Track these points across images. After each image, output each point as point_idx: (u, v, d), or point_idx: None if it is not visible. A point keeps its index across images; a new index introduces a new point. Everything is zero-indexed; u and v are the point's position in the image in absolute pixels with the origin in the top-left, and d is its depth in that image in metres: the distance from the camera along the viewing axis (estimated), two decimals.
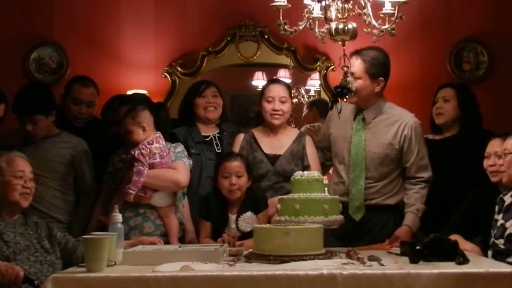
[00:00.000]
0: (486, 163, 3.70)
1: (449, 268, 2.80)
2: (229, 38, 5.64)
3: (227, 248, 3.35)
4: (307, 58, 5.64)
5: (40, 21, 5.58)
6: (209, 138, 4.28)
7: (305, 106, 5.77)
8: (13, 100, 4.05)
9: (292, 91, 5.65)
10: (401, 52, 5.45)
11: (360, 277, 2.70)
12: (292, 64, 5.62)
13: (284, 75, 5.69)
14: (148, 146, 3.70)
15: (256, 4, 5.39)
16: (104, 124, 4.42)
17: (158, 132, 3.79)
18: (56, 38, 5.58)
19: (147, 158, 3.68)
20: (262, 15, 5.44)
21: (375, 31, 3.22)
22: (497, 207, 3.54)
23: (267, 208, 3.78)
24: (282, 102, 4.06)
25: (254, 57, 5.68)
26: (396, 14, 3.17)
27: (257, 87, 5.99)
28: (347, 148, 3.95)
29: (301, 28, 3.35)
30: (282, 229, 3.06)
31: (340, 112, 3.83)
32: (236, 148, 4.09)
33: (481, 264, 2.89)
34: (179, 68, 5.61)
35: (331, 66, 5.59)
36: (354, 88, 3.69)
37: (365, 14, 3.22)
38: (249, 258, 3.06)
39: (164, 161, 3.73)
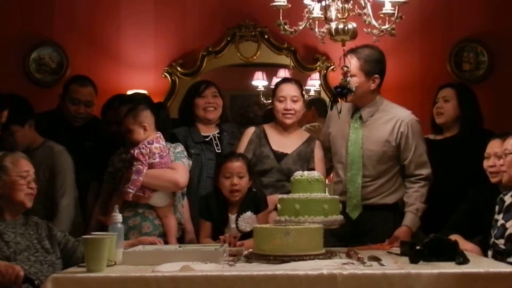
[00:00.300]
0: (486, 163, 3.70)
1: (449, 268, 2.80)
2: (229, 38, 5.65)
3: (227, 248, 3.35)
4: (307, 58, 5.65)
5: (40, 21, 5.58)
6: (209, 138, 4.28)
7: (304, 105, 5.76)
8: None
9: None
10: (401, 52, 5.46)
11: (360, 277, 2.70)
12: (292, 64, 5.63)
13: (284, 75, 5.69)
14: (148, 146, 3.70)
15: (256, 4, 5.39)
16: (104, 124, 4.42)
17: (159, 132, 3.79)
18: (56, 38, 5.59)
19: (147, 157, 3.69)
20: (262, 15, 5.44)
21: (375, 31, 3.22)
22: (497, 207, 3.54)
23: (267, 208, 3.79)
24: (294, 101, 4.06)
25: (254, 57, 5.68)
26: (396, 14, 3.16)
27: (257, 87, 6.00)
28: (345, 146, 3.95)
29: (301, 28, 3.35)
30: (282, 229, 3.06)
31: (340, 112, 3.83)
32: (246, 140, 4.09)
33: (481, 264, 2.89)
34: (179, 68, 5.61)
35: (331, 66, 5.60)
36: (354, 88, 3.69)
37: (365, 14, 3.22)
38: (249, 258, 3.06)
39: (164, 161, 3.73)
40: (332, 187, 4.04)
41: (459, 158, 4.17)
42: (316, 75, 5.73)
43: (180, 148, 3.89)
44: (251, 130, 4.13)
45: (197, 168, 4.10)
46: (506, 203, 3.49)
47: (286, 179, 3.95)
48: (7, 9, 5.55)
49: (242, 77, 6.03)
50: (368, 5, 3.22)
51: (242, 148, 4.06)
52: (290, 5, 3.34)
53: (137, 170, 3.65)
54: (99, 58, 5.60)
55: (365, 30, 3.26)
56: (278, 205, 3.45)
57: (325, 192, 3.47)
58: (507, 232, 3.41)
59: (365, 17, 3.22)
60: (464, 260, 2.88)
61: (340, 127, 4.01)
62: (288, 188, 3.79)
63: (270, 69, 5.86)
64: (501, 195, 3.55)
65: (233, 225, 3.71)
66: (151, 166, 3.69)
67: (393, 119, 3.93)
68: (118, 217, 3.24)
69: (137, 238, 3.55)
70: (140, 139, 3.71)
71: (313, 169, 3.96)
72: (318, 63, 5.62)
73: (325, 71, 5.63)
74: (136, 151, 3.68)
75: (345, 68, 3.50)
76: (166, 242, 3.62)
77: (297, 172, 3.53)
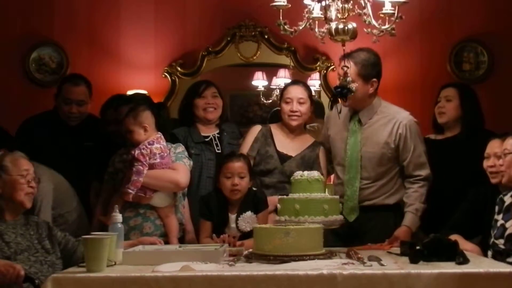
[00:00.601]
0: (486, 164, 3.70)
1: (449, 268, 2.80)
2: (229, 38, 5.65)
3: (227, 248, 3.35)
4: (307, 58, 5.65)
5: (40, 21, 5.58)
6: (209, 138, 4.28)
7: None
8: None
9: None
10: (401, 52, 5.46)
11: (360, 277, 2.70)
12: (292, 64, 5.63)
13: (284, 75, 5.70)
14: (149, 146, 3.70)
15: (256, 4, 5.39)
16: (103, 123, 4.41)
17: (159, 132, 3.79)
18: (56, 38, 5.59)
19: (147, 158, 3.68)
20: (262, 15, 5.45)
21: (375, 31, 3.22)
22: (497, 208, 3.54)
23: (267, 208, 3.79)
24: (300, 103, 4.07)
25: (254, 57, 5.69)
26: (396, 14, 3.16)
27: (257, 87, 6.00)
28: (344, 149, 3.95)
29: (301, 28, 3.35)
30: (282, 229, 3.05)
31: (340, 112, 3.83)
32: (251, 138, 4.10)
33: (481, 264, 2.89)
34: (179, 68, 5.61)
35: (331, 66, 5.60)
36: (354, 88, 3.69)
37: (365, 14, 3.22)
38: (249, 258, 3.06)
39: (165, 162, 3.73)
40: (333, 188, 4.04)
41: (460, 158, 4.17)
42: (316, 75, 5.73)
43: (180, 148, 3.89)
44: (257, 128, 4.14)
45: (197, 168, 4.10)
46: (506, 203, 3.49)
47: (287, 181, 3.94)
48: (7, 9, 5.55)
49: (242, 77, 6.02)
50: (368, 5, 3.21)
51: (247, 145, 4.07)
52: (290, 5, 3.33)
53: (138, 170, 3.65)
54: (99, 58, 5.60)
55: (365, 30, 3.25)
56: (278, 205, 3.45)
57: (325, 192, 3.47)
58: (507, 232, 3.41)
59: (365, 17, 3.22)
60: (464, 260, 2.88)
61: (339, 130, 4.01)
62: (289, 190, 3.79)
63: (270, 69, 5.86)
64: (501, 195, 3.55)
65: (233, 225, 3.71)
66: (151, 166, 3.69)
67: (391, 121, 3.92)
68: (118, 217, 3.24)
69: (138, 238, 3.56)
70: (140, 140, 3.71)
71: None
72: (318, 63, 5.62)
73: (325, 71, 5.63)
74: (137, 151, 3.68)
75: (345, 68, 3.50)
76: (167, 243, 3.62)
77: (297, 172, 3.54)
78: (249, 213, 3.72)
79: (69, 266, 3.09)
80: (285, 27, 3.34)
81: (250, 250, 3.17)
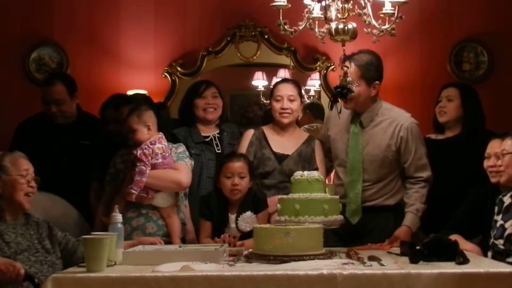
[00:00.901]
0: (486, 163, 3.70)
1: (449, 268, 2.80)
2: (229, 38, 5.65)
3: (227, 248, 3.35)
4: (307, 58, 5.65)
5: (40, 21, 5.58)
6: (209, 138, 4.28)
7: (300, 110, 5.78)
8: None
9: None
10: (401, 52, 5.46)
11: (360, 277, 2.70)
12: (292, 64, 5.63)
13: (284, 75, 5.69)
14: (151, 146, 3.70)
15: (256, 4, 5.39)
16: (102, 123, 4.41)
17: (161, 132, 3.79)
18: (56, 38, 5.59)
19: (150, 158, 3.68)
20: (262, 15, 5.44)
21: (375, 31, 3.22)
22: (496, 208, 3.54)
23: (267, 208, 3.78)
24: (291, 101, 4.07)
25: (254, 57, 5.68)
26: (396, 14, 3.16)
27: (257, 87, 6.00)
28: (346, 151, 3.95)
29: (301, 28, 3.35)
30: (282, 229, 3.05)
31: (340, 112, 3.82)
32: (245, 143, 4.09)
33: (481, 264, 2.89)
34: (179, 68, 5.61)
35: (331, 66, 5.60)
36: (354, 88, 3.69)
37: (365, 14, 3.22)
38: (249, 258, 3.06)
39: (166, 162, 3.73)
40: (333, 189, 4.04)
41: (460, 158, 4.17)
42: (316, 75, 5.73)
43: (182, 148, 3.89)
44: (250, 133, 4.14)
45: (197, 168, 4.09)
46: (505, 204, 3.49)
47: (288, 180, 3.94)
48: (7, 9, 5.54)
49: (242, 77, 6.02)
50: (368, 5, 3.21)
51: (242, 151, 4.06)
52: (290, 5, 3.34)
53: (140, 170, 3.65)
54: (99, 58, 5.60)
55: (365, 30, 3.25)
56: (278, 205, 3.45)
57: (325, 192, 3.47)
58: (506, 233, 3.41)
59: (365, 17, 3.22)
60: (464, 260, 2.88)
61: (340, 131, 4.01)
62: (290, 189, 3.78)
63: (270, 69, 5.86)
64: (500, 196, 3.55)
65: (233, 225, 3.71)
66: (153, 166, 3.69)
67: (392, 123, 3.92)
68: (118, 217, 3.24)
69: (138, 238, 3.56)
70: (143, 139, 3.71)
71: (317, 170, 3.97)
72: (318, 63, 5.62)
73: (325, 71, 5.63)
74: (139, 151, 3.68)
75: (345, 68, 3.50)
76: (169, 243, 3.62)
77: (297, 172, 3.53)
78: (249, 213, 3.72)
79: (69, 266, 3.09)
80: (285, 27, 3.34)
81: (250, 250, 3.17)
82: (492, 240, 3.48)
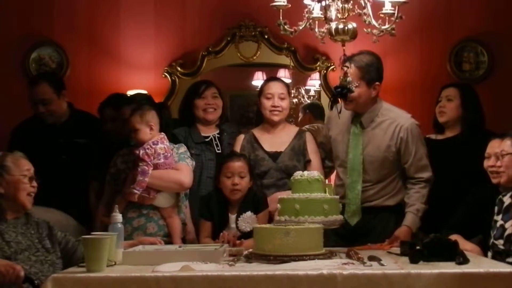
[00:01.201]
0: (486, 163, 3.70)
1: (449, 268, 2.80)
2: (229, 38, 5.64)
3: (227, 248, 3.35)
4: (307, 58, 5.64)
5: (40, 21, 5.57)
6: (209, 138, 4.28)
7: (300, 110, 5.79)
8: None
9: (292, 91, 5.68)
10: (401, 52, 5.46)
11: (360, 277, 2.70)
12: (292, 64, 5.62)
13: (284, 75, 5.69)
14: (153, 146, 3.70)
15: (256, 4, 5.39)
16: (100, 122, 4.41)
17: (162, 133, 3.79)
18: (56, 38, 5.58)
19: (152, 158, 3.69)
20: (262, 15, 5.44)
21: (375, 31, 3.22)
22: (496, 208, 3.54)
23: (267, 208, 3.79)
24: (281, 99, 4.09)
25: (254, 57, 5.68)
26: (396, 14, 3.16)
27: (257, 87, 5.98)
28: (346, 152, 3.95)
29: (301, 28, 3.35)
30: (282, 229, 3.06)
31: (340, 112, 3.82)
32: (237, 148, 4.10)
33: (481, 264, 2.89)
34: (179, 68, 5.60)
35: (331, 66, 5.59)
36: (354, 88, 3.69)
37: (365, 14, 3.22)
38: (249, 258, 3.06)
39: (168, 162, 3.73)
40: (334, 189, 4.04)
41: (460, 158, 4.17)
42: (316, 75, 5.73)
43: (183, 148, 3.89)
44: (241, 138, 4.15)
45: (197, 168, 4.09)
46: (505, 204, 3.50)
47: (286, 176, 3.96)
48: (7, 9, 5.54)
49: (242, 77, 6.02)
50: (368, 5, 3.22)
51: None
52: (290, 5, 3.34)
53: (143, 170, 3.65)
54: (99, 58, 5.60)
55: (365, 30, 3.26)
56: (278, 205, 3.45)
57: (325, 192, 3.47)
58: (506, 233, 3.41)
59: (365, 17, 3.22)
60: (464, 260, 2.88)
61: (340, 132, 4.01)
62: (289, 185, 3.78)
63: (270, 69, 5.85)
64: (500, 196, 3.55)
65: (233, 225, 3.71)
66: (155, 166, 3.69)
67: (392, 124, 3.92)
68: (118, 217, 3.24)
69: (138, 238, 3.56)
70: (146, 139, 3.71)
71: (309, 161, 4.00)
72: (318, 63, 5.62)
73: (325, 71, 5.62)
74: (141, 151, 3.68)
75: (345, 68, 3.50)
76: (170, 243, 3.62)
77: (297, 172, 3.53)
78: (249, 213, 3.72)
79: (69, 266, 3.09)
80: (285, 27, 3.34)
81: (250, 250, 3.17)
82: (492, 240, 3.48)
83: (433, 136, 4.39)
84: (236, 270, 2.79)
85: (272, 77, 4.50)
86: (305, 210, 3.32)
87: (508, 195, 3.51)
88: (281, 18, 3.34)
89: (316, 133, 4.72)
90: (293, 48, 5.60)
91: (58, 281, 2.71)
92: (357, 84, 3.77)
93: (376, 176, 3.90)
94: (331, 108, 3.88)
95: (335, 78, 5.23)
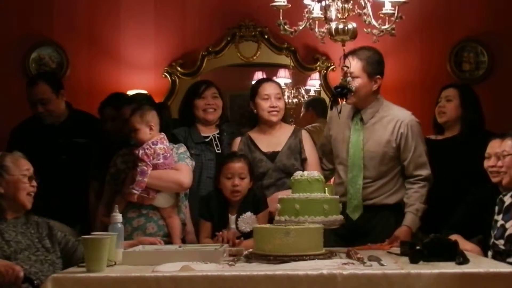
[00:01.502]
0: (486, 163, 3.69)
1: (449, 268, 2.80)
2: (229, 38, 5.65)
3: (227, 248, 3.35)
4: (307, 58, 5.65)
5: (40, 21, 5.58)
6: (209, 138, 4.28)
7: (302, 107, 5.78)
8: None
9: (292, 91, 5.69)
10: (401, 52, 5.46)
11: (360, 277, 2.70)
12: (292, 64, 5.63)
13: (284, 75, 5.70)
14: (153, 146, 3.70)
15: (256, 4, 5.39)
16: (99, 121, 4.41)
17: (162, 133, 3.79)
18: (56, 38, 5.59)
19: (151, 158, 3.68)
20: (262, 15, 5.44)
21: (375, 31, 3.22)
22: (496, 208, 3.54)
23: (267, 208, 3.78)
24: (278, 99, 4.10)
25: (254, 57, 5.68)
26: (396, 14, 3.17)
27: None
28: (346, 148, 3.95)
29: (301, 28, 3.35)
30: (282, 229, 3.05)
31: (340, 112, 3.82)
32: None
33: (481, 264, 2.89)
34: (179, 68, 5.61)
35: (331, 66, 5.60)
36: (354, 88, 3.69)
37: (365, 14, 3.22)
38: (249, 258, 3.06)
39: (168, 162, 3.73)
40: (334, 188, 4.04)
41: (460, 159, 4.17)
42: (316, 75, 5.73)
43: (183, 148, 3.89)
44: (237, 141, 4.15)
45: (197, 168, 4.09)
46: (506, 204, 3.50)
47: (285, 176, 3.96)
48: (7, 9, 5.54)
49: (242, 77, 6.02)
50: (368, 5, 3.22)
51: None
52: (290, 5, 3.34)
53: (142, 171, 3.65)
54: (99, 58, 5.60)
55: (365, 30, 3.26)
56: (278, 205, 3.45)
57: (325, 192, 3.47)
58: (507, 233, 3.41)
59: (365, 17, 3.22)
60: (464, 260, 2.88)
61: (341, 129, 4.01)
62: (288, 184, 3.78)
63: (270, 69, 5.85)
64: (501, 196, 3.55)
65: (233, 226, 3.71)
66: (155, 167, 3.69)
67: (393, 119, 3.93)
68: (118, 217, 3.24)
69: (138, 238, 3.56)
70: (145, 139, 3.71)
71: (306, 160, 4.01)
72: (318, 63, 5.62)
73: (325, 71, 5.63)
74: (141, 151, 3.68)
75: (345, 68, 3.50)
76: (169, 243, 3.62)
77: (297, 172, 3.53)
78: (249, 213, 3.72)
79: (69, 266, 3.09)
80: (285, 27, 3.34)
81: (250, 250, 3.17)
82: (492, 240, 3.48)
83: (433, 137, 4.40)
84: (236, 270, 2.79)
85: (265, 78, 4.53)
86: (305, 210, 3.32)
87: (509, 195, 3.51)
88: (281, 18, 3.34)
89: (317, 134, 4.72)
90: (293, 48, 5.60)
91: (58, 281, 2.71)
92: (360, 80, 3.78)
93: (376, 172, 3.90)
94: (331, 108, 3.88)
95: (335, 78, 5.24)
